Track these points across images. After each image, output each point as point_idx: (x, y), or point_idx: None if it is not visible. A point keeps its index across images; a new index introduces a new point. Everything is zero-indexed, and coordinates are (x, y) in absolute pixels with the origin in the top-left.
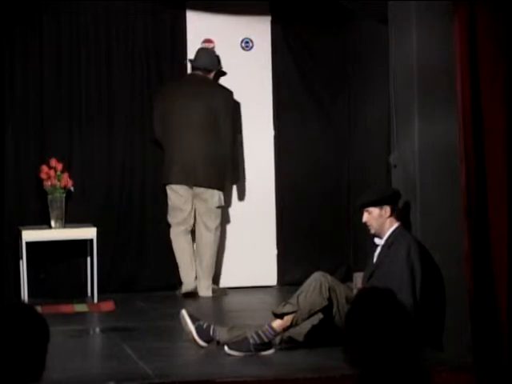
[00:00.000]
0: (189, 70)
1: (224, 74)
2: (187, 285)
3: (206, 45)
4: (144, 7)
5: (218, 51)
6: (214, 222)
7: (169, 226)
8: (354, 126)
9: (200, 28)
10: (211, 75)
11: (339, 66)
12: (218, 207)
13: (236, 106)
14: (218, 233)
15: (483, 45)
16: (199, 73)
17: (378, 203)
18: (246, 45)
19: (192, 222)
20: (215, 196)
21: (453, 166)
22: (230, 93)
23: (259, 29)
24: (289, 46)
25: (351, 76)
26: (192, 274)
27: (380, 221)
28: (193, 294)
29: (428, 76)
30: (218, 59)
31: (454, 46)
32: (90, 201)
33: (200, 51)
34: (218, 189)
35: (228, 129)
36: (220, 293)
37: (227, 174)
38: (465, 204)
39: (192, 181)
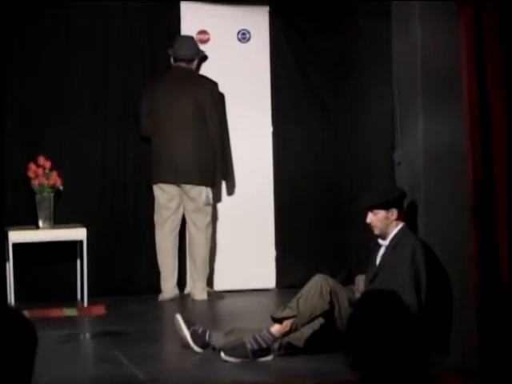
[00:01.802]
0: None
1: (206, 58)
2: (166, 293)
3: (201, 37)
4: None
5: (213, 43)
6: (203, 221)
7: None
8: (356, 121)
9: (195, 19)
10: (194, 64)
11: (340, 60)
12: (207, 204)
13: (221, 98)
14: (209, 231)
15: (490, 42)
16: (182, 64)
17: (385, 206)
18: (243, 36)
19: (177, 222)
20: (203, 193)
21: (459, 163)
22: (216, 84)
23: (257, 20)
24: (288, 39)
25: (353, 70)
26: (171, 283)
27: (385, 223)
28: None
29: (433, 71)
30: (196, 44)
31: (459, 41)
32: (80, 200)
33: (178, 40)
34: (206, 185)
35: (214, 122)
36: (215, 296)
37: (217, 169)
38: (472, 202)
39: (180, 178)
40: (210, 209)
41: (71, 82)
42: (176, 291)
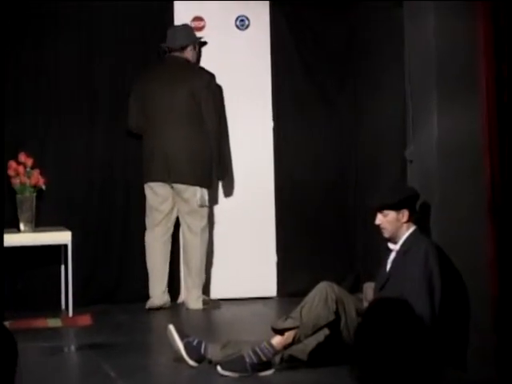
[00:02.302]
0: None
1: (204, 43)
2: (155, 299)
3: (196, 24)
4: None
5: (209, 31)
6: (198, 224)
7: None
8: (364, 116)
9: (189, 5)
10: (188, 53)
11: (346, 50)
12: (202, 206)
13: (219, 90)
14: (205, 235)
15: (509, 31)
16: (176, 54)
17: (395, 207)
18: (242, 23)
19: (170, 225)
20: (197, 194)
21: (476, 160)
22: (213, 76)
23: (256, 6)
24: (290, 27)
25: (360, 61)
26: (160, 288)
27: (396, 225)
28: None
29: (448, 62)
30: (189, 31)
31: (475, 31)
32: (64, 201)
33: (168, 31)
34: (201, 186)
35: (212, 117)
36: (212, 305)
37: (213, 168)
38: (489, 203)
39: (172, 177)
40: (205, 211)
41: (57, 76)
42: (166, 298)
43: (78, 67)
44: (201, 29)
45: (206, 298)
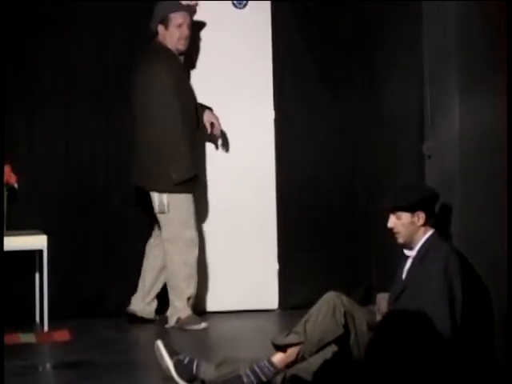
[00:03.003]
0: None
1: (194, 13)
2: (133, 305)
3: (188, 2)
4: None
5: (203, 9)
6: (164, 233)
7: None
8: (375, 107)
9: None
10: (162, 35)
11: (355, 35)
12: (161, 213)
13: (167, 78)
14: (170, 245)
15: None
16: (156, 41)
17: (410, 208)
18: (239, 1)
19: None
20: (155, 199)
21: (500, 156)
22: (161, 61)
23: None
24: (292, 7)
25: (371, 47)
26: (141, 295)
27: (411, 229)
28: (136, 319)
29: (471, 50)
30: (155, 13)
31: (500, 21)
32: (39, 201)
33: None
34: (158, 191)
35: (161, 106)
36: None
37: (166, 169)
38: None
39: (138, 182)
40: (167, 218)
41: (42, 73)
42: (148, 308)
43: (64, 64)
44: (194, 7)
45: (183, 315)
